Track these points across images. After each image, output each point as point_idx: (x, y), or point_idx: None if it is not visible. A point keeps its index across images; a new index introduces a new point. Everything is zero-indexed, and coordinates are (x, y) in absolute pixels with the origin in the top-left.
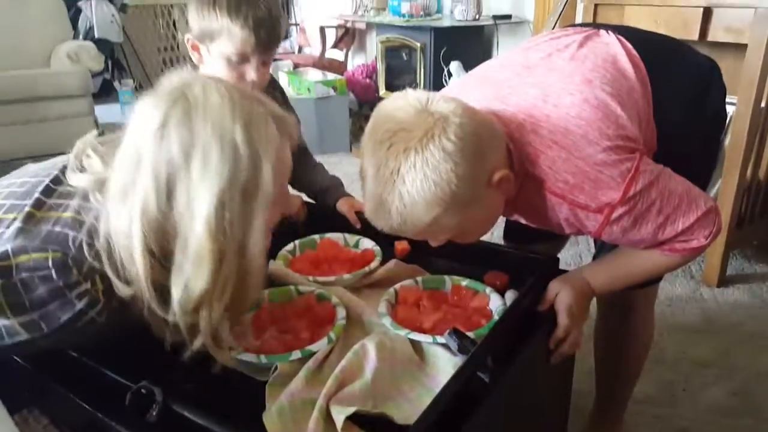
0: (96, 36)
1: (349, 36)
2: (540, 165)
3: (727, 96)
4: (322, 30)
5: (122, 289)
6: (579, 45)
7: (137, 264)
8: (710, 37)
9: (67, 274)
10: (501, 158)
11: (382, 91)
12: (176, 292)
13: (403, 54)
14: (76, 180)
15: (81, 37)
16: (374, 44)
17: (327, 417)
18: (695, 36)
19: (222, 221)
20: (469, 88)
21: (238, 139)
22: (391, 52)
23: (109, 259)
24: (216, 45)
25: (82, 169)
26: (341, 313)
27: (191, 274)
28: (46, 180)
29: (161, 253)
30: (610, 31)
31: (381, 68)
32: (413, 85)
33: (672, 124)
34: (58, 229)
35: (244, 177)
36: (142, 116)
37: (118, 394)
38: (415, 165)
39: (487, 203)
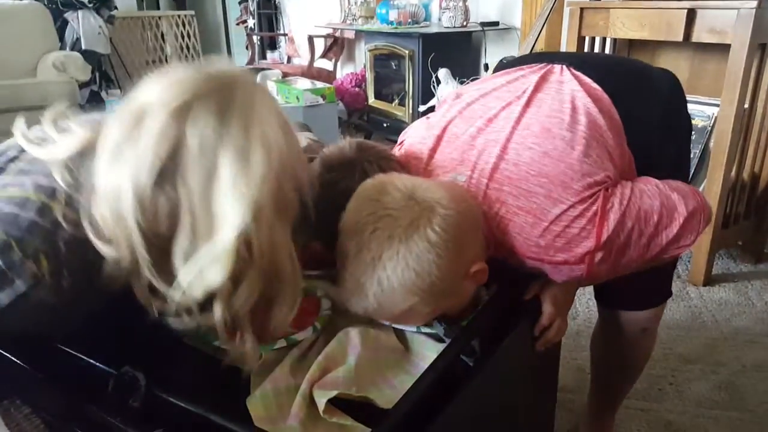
0: (83, 47)
1: (338, 45)
2: (510, 233)
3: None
4: (310, 39)
5: (103, 250)
6: (535, 89)
7: (130, 226)
8: (694, 39)
9: (8, 254)
10: (480, 247)
11: (372, 100)
12: (185, 276)
13: (392, 63)
14: (42, 152)
15: (68, 48)
16: (363, 53)
17: (310, 402)
18: (680, 37)
19: (258, 232)
20: (441, 151)
21: (283, 153)
22: (380, 60)
23: (90, 221)
24: None
25: (51, 141)
26: (326, 304)
27: (207, 268)
28: (2, 159)
29: (149, 224)
30: (564, 66)
31: (370, 77)
32: (402, 93)
33: (648, 138)
34: (4, 207)
35: (282, 194)
36: (162, 86)
37: (99, 380)
38: (398, 252)
39: (461, 292)
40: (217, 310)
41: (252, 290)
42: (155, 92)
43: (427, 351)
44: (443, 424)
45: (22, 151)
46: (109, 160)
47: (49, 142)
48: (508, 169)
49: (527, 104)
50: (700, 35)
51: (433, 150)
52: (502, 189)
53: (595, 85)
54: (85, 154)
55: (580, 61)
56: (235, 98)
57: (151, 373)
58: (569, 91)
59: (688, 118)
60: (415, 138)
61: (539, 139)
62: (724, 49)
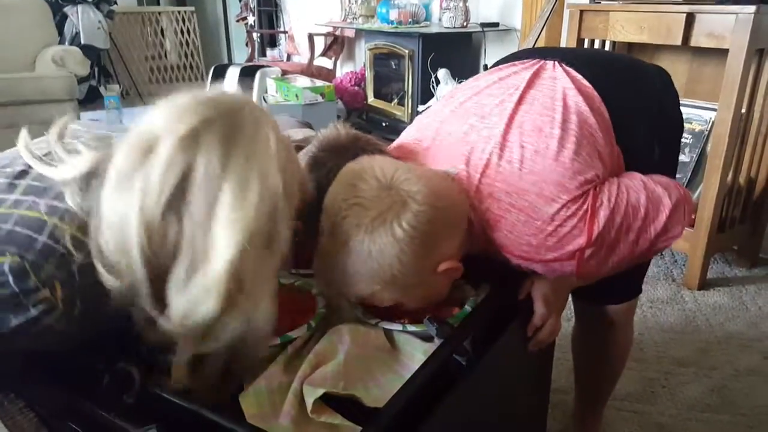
0: (82, 42)
1: (338, 44)
2: (501, 230)
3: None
4: (310, 37)
5: (108, 281)
6: (527, 86)
7: (133, 256)
8: (693, 43)
9: (24, 280)
10: (454, 246)
11: (371, 99)
12: (177, 305)
13: (392, 62)
14: (53, 172)
15: (67, 42)
16: (363, 52)
17: (301, 399)
18: (678, 41)
19: (243, 268)
20: (432, 148)
21: (279, 189)
22: (379, 60)
23: (97, 250)
24: None
25: (58, 160)
26: (321, 302)
27: (200, 298)
28: (22, 179)
29: (153, 255)
30: (557, 63)
31: (369, 76)
32: (401, 93)
33: (637, 136)
34: (18, 229)
35: (274, 229)
36: (170, 113)
37: (94, 375)
38: (363, 242)
39: (430, 286)
40: (203, 346)
41: (234, 329)
42: (163, 119)
43: (414, 351)
44: (435, 424)
45: (30, 165)
46: (116, 189)
47: (56, 160)
48: (501, 166)
49: (519, 101)
50: (698, 39)
51: (427, 148)
52: (494, 185)
53: (586, 83)
54: (92, 177)
55: (573, 57)
56: (241, 127)
57: (145, 369)
58: (561, 89)
59: (679, 115)
60: (407, 137)
61: (531, 137)
62: (722, 53)
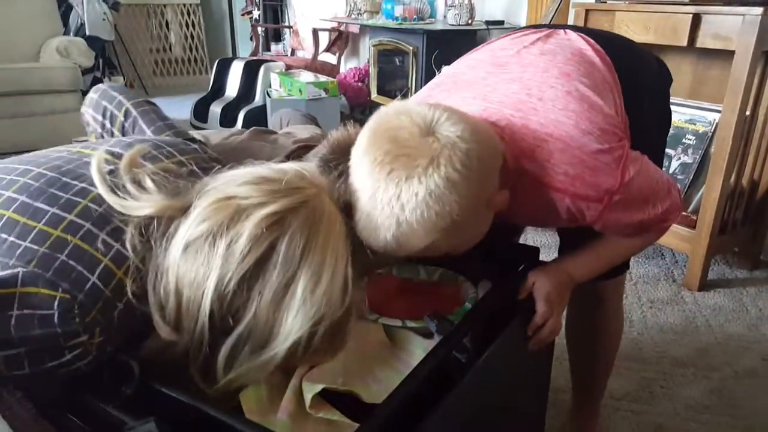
0: (87, 33)
1: (342, 39)
2: (537, 159)
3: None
4: (315, 32)
5: (165, 332)
6: (544, 41)
7: (201, 318)
8: (699, 44)
9: (69, 321)
10: (499, 176)
11: (374, 95)
12: (223, 376)
13: (396, 59)
14: (118, 203)
15: (72, 34)
16: (367, 48)
17: (300, 395)
18: (684, 42)
19: (307, 349)
20: (442, 94)
21: (348, 277)
22: (383, 56)
23: (157, 304)
24: None
25: (124, 191)
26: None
27: (251, 370)
28: (81, 198)
29: (215, 324)
30: (569, 30)
31: (373, 72)
32: (405, 90)
33: (639, 115)
34: (74, 264)
35: (338, 317)
36: (258, 187)
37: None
38: (417, 194)
39: (482, 222)
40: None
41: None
42: (250, 191)
43: (414, 348)
44: (434, 421)
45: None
46: (192, 250)
47: (122, 190)
48: (531, 102)
49: (541, 53)
50: (704, 41)
51: (445, 98)
52: (528, 117)
53: (599, 47)
54: (157, 224)
55: (585, 31)
56: (320, 218)
57: (144, 362)
58: (578, 48)
59: (667, 107)
60: (422, 95)
61: (560, 80)
62: (727, 55)
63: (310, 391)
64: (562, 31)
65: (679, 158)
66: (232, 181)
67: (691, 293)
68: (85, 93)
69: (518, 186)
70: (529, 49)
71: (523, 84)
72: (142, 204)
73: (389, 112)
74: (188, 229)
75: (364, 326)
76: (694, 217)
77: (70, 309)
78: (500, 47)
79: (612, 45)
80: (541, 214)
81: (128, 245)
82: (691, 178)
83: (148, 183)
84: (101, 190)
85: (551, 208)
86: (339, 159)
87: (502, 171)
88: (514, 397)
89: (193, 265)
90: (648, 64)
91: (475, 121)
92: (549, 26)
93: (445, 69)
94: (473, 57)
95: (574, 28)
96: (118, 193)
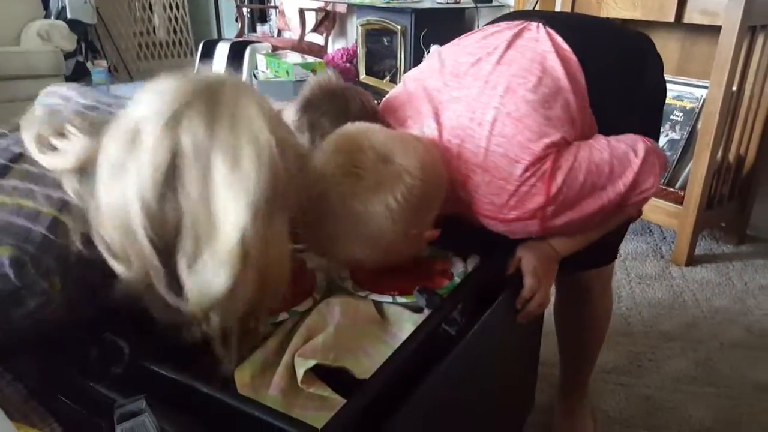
0: (68, 17)
1: (329, 19)
2: (467, 190)
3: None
4: (301, 12)
5: (120, 271)
6: (507, 46)
7: (140, 242)
8: (686, 20)
9: (22, 272)
10: (434, 215)
11: (363, 76)
12: (191, 285)
13: (384, 39)
14: (47, 161)
15: (53, 17)
16: (355, 28)
17: (292, 371)
18: (671, 18)
19: (256, 232)
20: (411, 102)
21: (273, 147)
22: (371, 36)
23: (102, 241)
24: None
25: (52, 147)
26: (320, 275)
27: (212, 273)
28: (6, 152)
29: (158, 238)
30: (540, 25)
31: (361, 52)
32: (393, 70)
33: (614, 102)
34: (16, 220)
35: (276, 187)
36: (151, 98)
37: (82, 347)
38: (356, 212)
39: (413, 247)
40: (215, 319)
41: (247, 294)
42: (145, 106)
43: (404, 322)
44: (424, 394)
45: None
46: (110, 178)
47: (47, 147)
48: (471, 128)
49: (498, 62)
50: (691, 16)
51: (406, 102)
52: (463, 146)
53: (566, 46)
54: (86, 167)
55: (557, 20)
56: (220, 100)
57: (134, 340)
58: (540, 52)
59: (661, 81)
60: (392, 93)
61: (503, 99)
62: (714, 31)
63: (302, 366)
64: (534, 26)
65: (667, 135)
66: (134, 103)
67: (679, 268)
68: (68, 78)
69: (456, 207)
70: (490, 56)
71: (468, 106)
72: (69, 153)
73: (354, 129)
74: (101, 163)
75: (354, 303)
76: (682, 193)
77: (22, 261)
78: (467, 51)
79: (588, 36)
80: (484, 227)
81: (70, 192)
82: (678, 154)
83: (72, 132)
84: (32, 148)
85: (489, 227)
86: (321, 99)
87: (445, 199)
88: (503, 370)
89: (114, 192)
90: (632, 46)
91: (429, 160)
92: (527, 16)
93: (433, 48)
94: (445, 56)
95: (551, 20)
96: (45, 151)
